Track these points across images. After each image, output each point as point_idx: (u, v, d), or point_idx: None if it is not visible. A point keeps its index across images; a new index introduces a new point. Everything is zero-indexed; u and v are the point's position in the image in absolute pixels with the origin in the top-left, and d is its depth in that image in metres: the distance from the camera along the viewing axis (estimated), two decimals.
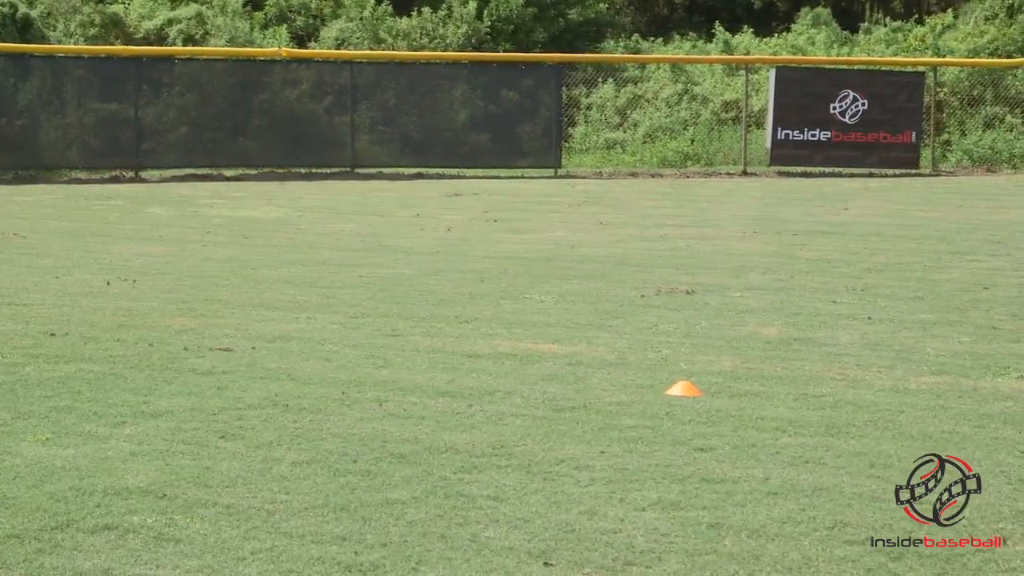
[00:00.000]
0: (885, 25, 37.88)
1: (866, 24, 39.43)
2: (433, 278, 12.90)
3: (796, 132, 27.08)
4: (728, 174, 27.35)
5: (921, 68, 29.06)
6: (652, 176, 26.93)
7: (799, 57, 31.72)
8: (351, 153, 26.78)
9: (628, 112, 30.68)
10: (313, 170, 26.27)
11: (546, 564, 5.43)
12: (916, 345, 9.90)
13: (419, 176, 26.30)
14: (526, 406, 7.99)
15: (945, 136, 29.15)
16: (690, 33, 39.78)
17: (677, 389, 8.31)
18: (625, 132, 30.23)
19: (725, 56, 33.55)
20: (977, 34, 34.11)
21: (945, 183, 25.50)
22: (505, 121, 27.36)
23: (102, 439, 7.11)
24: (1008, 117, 29.06)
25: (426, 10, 33.95)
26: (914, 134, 27.22)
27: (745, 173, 27.29)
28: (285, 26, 34.60)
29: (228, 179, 25.44)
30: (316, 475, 6.53)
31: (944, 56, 31.39)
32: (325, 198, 21.72)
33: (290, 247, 15.23)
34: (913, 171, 27.18)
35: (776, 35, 37.44)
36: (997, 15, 35.85)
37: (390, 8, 34.18)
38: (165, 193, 22.59)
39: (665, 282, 12.75)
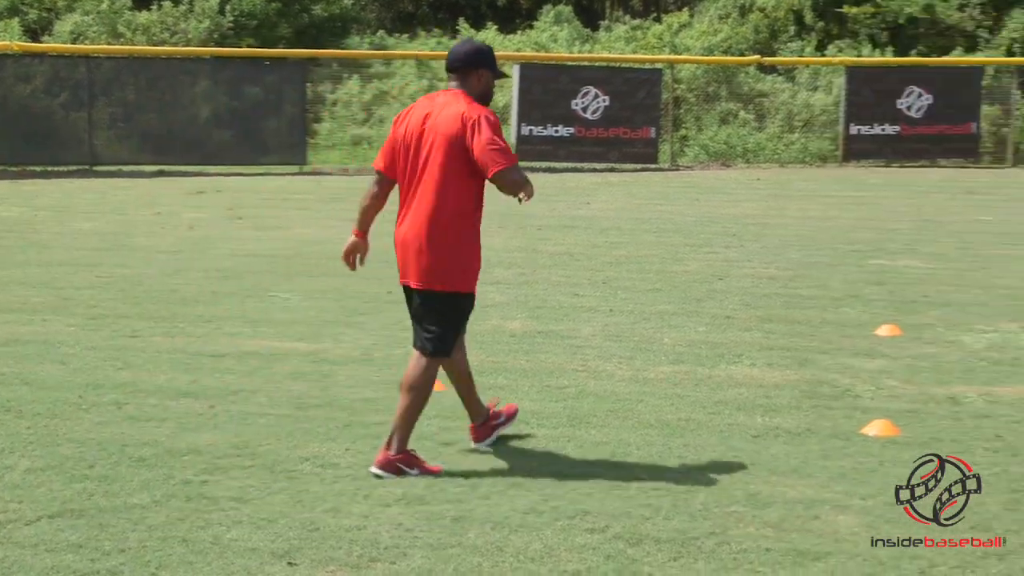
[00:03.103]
0: (625, 23, 38.76)
1: (607, 22, 40.28)
2: (175, 277, 12.65)
3: (540, 128, 27.45)
4: None
5: (659, 65, 29.81)
6: None
7: (542, 54, 32.19)
8: (89, 150, 25.97)
9: (374, 108, 30.65)
10: (49, 168, 25.41)
11: (290, 564, 5.39)
12: (655, 335, 10.17)
13: (161, 174, 25.70)
14: (271, 405, 7.92)
15: (683, 132, 29.97)
16: (435, 29, 40.00)
17: None
18: (371, 128, 30.18)
19: None
20: (712, 32, 35.19)
21: (683, 177, 26.23)
22: (249, 117, 26.95)
23: None
24: (741, 113, 30.02)
25: (167, 4, 33.26)
26: (653, 130, 27.89)
27: None
28: (17, 19, 33.40)
29: None
30: (51, 482, 6.34)
31: (681, 54, 32.29)
32: (62, 197, 21.05)
33: (24, 247, 14.71)
34: (652, 166, 27.83)
35: (520, 32, 37.92)
36: (730, 14, 37.07)
37: (128, 2, 33.35)
38: None
39: None
